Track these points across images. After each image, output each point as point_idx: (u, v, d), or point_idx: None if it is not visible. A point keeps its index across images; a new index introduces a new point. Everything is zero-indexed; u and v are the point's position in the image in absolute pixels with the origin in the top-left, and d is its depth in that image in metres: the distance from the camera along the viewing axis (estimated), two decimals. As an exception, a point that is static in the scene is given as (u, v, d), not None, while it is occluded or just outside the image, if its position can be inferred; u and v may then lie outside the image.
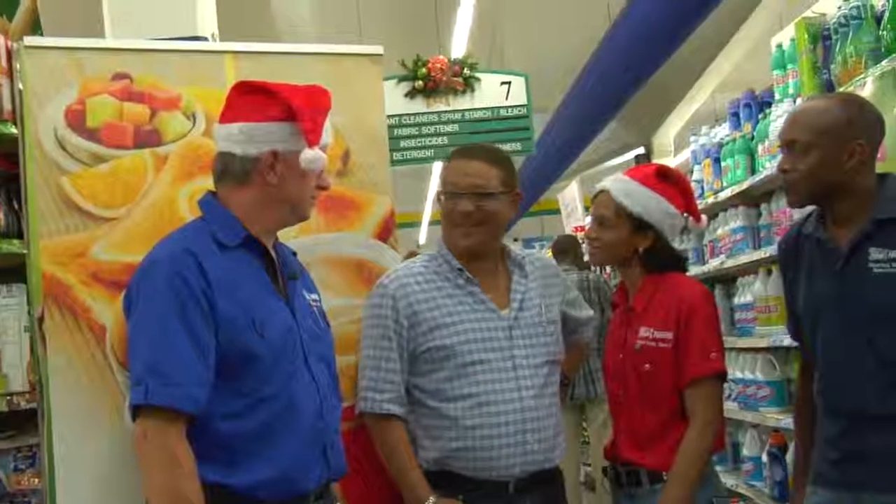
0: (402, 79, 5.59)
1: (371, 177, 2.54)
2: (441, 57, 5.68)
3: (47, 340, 2.16)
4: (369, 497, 2.32)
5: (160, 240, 1.97)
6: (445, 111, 5.59)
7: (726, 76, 8.77)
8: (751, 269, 4.12)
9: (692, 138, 5.12)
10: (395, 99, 5.43)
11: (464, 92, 5.61)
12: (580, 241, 6.51)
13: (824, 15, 3.26)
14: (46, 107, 2.24)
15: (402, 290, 2.28)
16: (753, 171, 3.98)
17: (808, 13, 3.35)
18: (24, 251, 2.43)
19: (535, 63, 7.44)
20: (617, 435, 2.49)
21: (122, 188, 2.26)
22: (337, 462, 2.03)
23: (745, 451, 4.14)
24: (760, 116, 3.97)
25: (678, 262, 2.52)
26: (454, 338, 2.24)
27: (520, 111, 5.61)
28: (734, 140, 4.20)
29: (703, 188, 4.68)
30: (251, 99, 1.98)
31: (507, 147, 5.30)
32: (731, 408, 4.03)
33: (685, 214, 2.50)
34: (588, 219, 6.91)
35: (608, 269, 6.46)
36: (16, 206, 2.71)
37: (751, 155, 4.04)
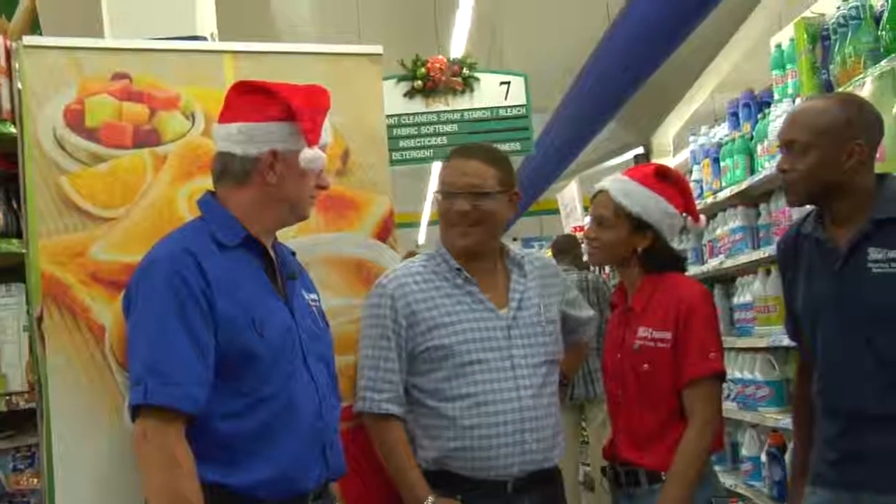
0: (401, 79, 5.60)
1: (370, 176, 2.54)
2: (440, 57, 5.69)
3: (46, 340, 2.16)
4: (368, 497, 2.32)
5: (159, 240, 1.97)
6: (444, 111, 5.59)
7: (725, 76, 8.76)
8: (750, 269, 4.12)
9: (691, 138, 5.12)
10: (394, 99, 5.44)
11: (463, 92, 5.61)
12: (580, 241, 6.51)
13: (823, 15, 3.27)
14: (45, 106, 2.24)
15: (401, 290, 2.28)
16: (752, 171, 3.98)
17: (807, 13, 3.35)
18: (23, 251, 2.43)
19: (535, 63, 7.44)
20: (616, 435, 2.49)
21: (121, 188, 2.26)
22: (336, 462, 2.03)
23: (743, 451, 4.15)
24: (759, 116, 3.98)
25: (677, 262, 2.52)
26: (452, 337, 2.24)
27: (519, 111, 5.62)
28: (733, 140, 4.21)
29: (702, 188, 4.68)
30: (250, 99, 1.98)
31: (506, 147, 5.31)
32: (730, 408, 4.04)
33: (684, 214, 2.50)
34: (587, 219, 6.92)
35: (607, 269, 6.47)
36: (15, 206, 2.71)
37: (750, 155, 4.04)
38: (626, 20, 6.37)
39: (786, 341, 2.77)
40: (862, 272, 2.08)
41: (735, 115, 4.33)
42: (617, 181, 2.49)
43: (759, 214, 4.02)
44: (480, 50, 7.75)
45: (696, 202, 3.49)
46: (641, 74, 6.81)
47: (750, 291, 4.03)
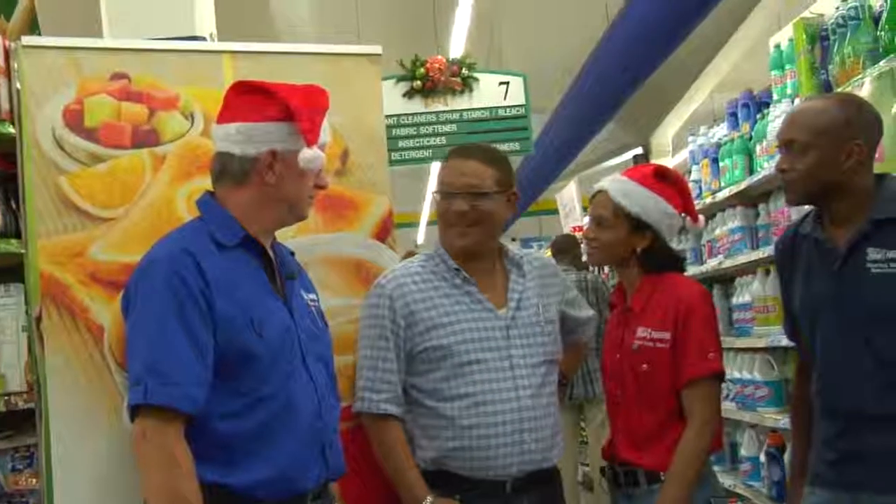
0: (400, 79, 5.60)
1: (369, 177, 2.54)
2: (439, 57, 5.69)
3: (45, 340, 2.16)
4: (367, 497, 2.32)
5: (158, 240, 1.96)
6: (444, 111, 5.59)
7: (724, 76, 8.77)
8: (749, 269, 4.13)
9: (690, 138, 5.12)
10: (393, 99, 5.44)
11: (462, 92, 5.61)
12: (579, 241, 6.52)
13: (822, 15, 3.27)
14: (44, 106, 2.23)
15: (399, 290, 2.28)
16: (751, 172, 3.98)
17: (806, 14, 3.35)
18: (22, 251, 2.43)
19: (534, 63, 7.45)
20: (615, 435, 2.49)
21: (120, 188, 2.26)
22: (335, 462, 2.03)
23: (743, 452, 4.15)
24: (758, 117, 3.98)
25: (676, 263, 2.52)
26: (451, 337, 2.24)
27: (518, 111, 5.62)
28: (732, 140, 4.21)
29: (701, 188, 4.68)
30: (249, 99, 1.98)
31: (505, 147, 5.31)
32: (729, 408, 4.04)
33: (683, 215, 2.50)
34: (586, 219, 6.92)
35: (606, 269, 6.47)
36: (14, 206, 2.71)
37: (749, 155, 4.04)
38: (625, 20, 6.37)
39: (784, 341, 2.77)
40: (861, 272, 2.08)
41: (734, 115, 4.33)
42: (616, 181, 2.49)
43: (757, 215, 4.02)
44: (480, 50, 7.75)
45: (695, 202, 3.49)
46: (640, 75, 6.81)
47: (749, 292, 4.03)
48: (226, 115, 1.99)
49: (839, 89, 2.95)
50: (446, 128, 5.57)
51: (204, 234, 1.93)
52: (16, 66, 2.40)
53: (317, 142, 1.97)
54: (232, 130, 1.96)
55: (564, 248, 6.26)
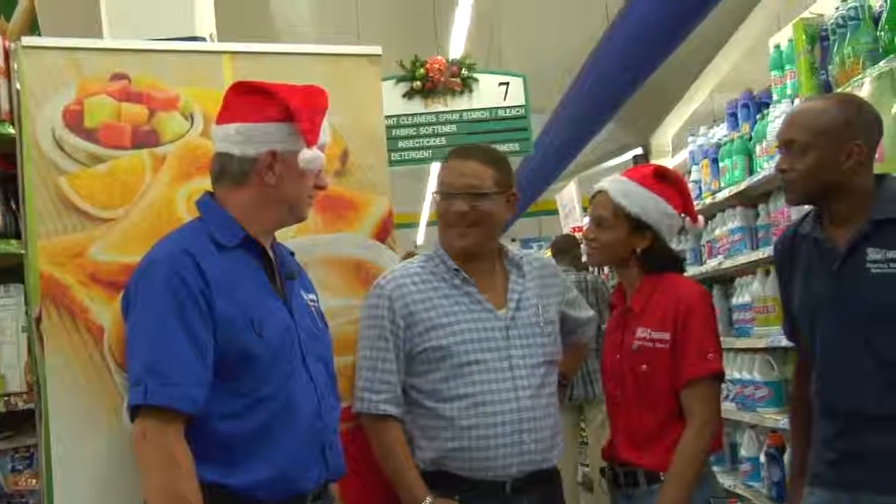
0: (400, 79, 5.60)
1: (369, 177, 2.54)
2: (439, 57, 5.69)
3: (45, 341, 2.16)
4: (367, 497, 2.32)
5: (158, 240, 1.97)
6: (443, 112, 5.59)
7: (724, 77, 8.77)
8: (749, 269, 4.13)
9: (690, 139, 5.12)
10: (393, 99, 5.45)
11: (462, 92, 5.61)
12: (579, 242, 6.52)
13: (822, 16, 3.27)
14: (44, 107, 2.24)
15: (399, 291, 2.28)
16: (751, 172, 3.98)
17: (806, 14, 3.35)
18: (22, 251, 2.43)
19: (534, 63, 7.45)
20: (614, 435, 2.49)
21: (120, 188, 2.26)
22: (335, 462, 2.03)
23: (742, 452, 4.15)
24: (758, 117, 3.97)
25: (676, 263, 2.52)
26: (450, 338, 2.24)
27: (518, 112, 5.62)
28: (732, 140, 4.21)
29: (700, 188, 4.68)
30: (248, 99, 1.98)
31: (504, 147, 5.31)
32: (728, 408, 4.04)
33: (683, 215, 2.50)
34: (586, 219, 6.92)
35: (606, 269, 6.47)
36: (13, 207, 2.71)
37: (749, 155, 4.04)
38: (625, 20, 6.37)
39: (784, 342, 2.77)
40: (861, 272, 2.08)
41: (734, 115, 4.33)
42: (616, 182, 2.49)
43: (757, 215, 4.02)
44: (479, 50, 7.76)
45: (695, 203, 3.49)
46: (640, 75, 6.81)
47: (749, 292, 4.03)
48: (225, 116, 1.99)
49: (839, 89, 2.95)
50: (446, 128, 5.58)
51: (204, 235, 1.93)
52: (16, 66, 2.40)
53: (316, 142, 1.97)
54: (231, 131, 1.96)
55: (564, 249, 6.26)
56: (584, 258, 5.24)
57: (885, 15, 2.78)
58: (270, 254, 2.03)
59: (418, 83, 5.56)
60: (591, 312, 2.65)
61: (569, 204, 10.02)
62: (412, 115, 5.58)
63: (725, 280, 4.54)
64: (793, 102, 3.40)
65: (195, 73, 2.39)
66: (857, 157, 2.10)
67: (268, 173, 1.96)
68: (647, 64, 6.59)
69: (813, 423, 2.25)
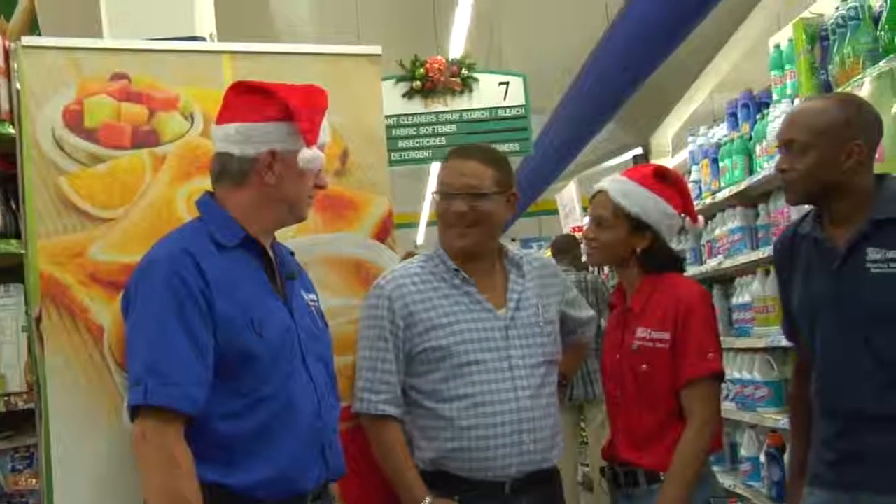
0: (400, 79, 5.60)
1: (369, 177, 2.54)
2: (439, 57, 5.69)
3: (45, 341, 2.16)
4: (366, 497, 2.32)
5: (158, 240, 1.96)
6: (443, 111, 5.59)
7: (724, 76, 8.77)
8: (749, 269, 4.13)
9: (690, 139, 5.12)
10: (393, 99, 5.44)
11: (462, 92, 5.61)
12: (579, 241, 6.52)
13: (822, 15, 3.27)
14: (44, 107, 2.24)
15: (399, 291, 2.28)
16: (751, 172, 3.98)
17: (806, 14, 3.35)
18: (22, 251, 2.44)
19: (534, 63, 7.45)
20: (614, 435, 2.49)
21: (120, 188, 2.26)
22: (335, 462, 2.03)
23: (742, 452, 4.15)
24: (758, 117, 3.98)
25: (676, 263, 2.52)
26: (450, 338, 2.24)
27: (518, 111, 5.62)
28: (732, 140, 4.21)
29: (700, 188, 4.68)
30: (248, 99, 1.98)
31: (504, 147, 5.31)
32: (728, 408, 4.04)
33: (683, 215, 2.50)
34: (586, 219, 6.92)
35: (606, 269, 6.47)
36: (13, 206, 2.71)
37: (749, 155, 4.04)
38: (625, 20, 6.37)
39: (784, 342, 2.77)
40: (860, 272, 2.08)
41: (734, 115, 4.33)
42: (616, 181, 2.49)
43: (757, 215, 4.02)
44: (479, 50, 7.76)
45: (695, 203, 3.49)
46: (640, 75, 6.81)
47: (749, 292, 4.03)
48: (225, 116, 1.99)
49: (839, 89, 2.95)
50: (446, 128, 5.57)
51: (204, 235, 1.93)
52: (16, 66, 2.40)
53: (316, 142, 1.97)
54: (231, 131, 1.96)
55: (564, 249, 6.26)
56: (584, 258, 5.25)
57: (885, 15, 2.78)
58: (270, 253, 2.03)
59: (418, 83, 5.56)
60: (591, 312, 2.65)
61: (569, 204, 10.02)
62: (412, 114, 5.58)
63: (725, 280, 4.54)
64: (793, 102, 3.40)
65: (195, 73, 2.39)
66: (858, 157, 2.10)
67: (268, 173, 1.96)
68: (647, 64, 6.59)
69: (813, 423, 2.24)
